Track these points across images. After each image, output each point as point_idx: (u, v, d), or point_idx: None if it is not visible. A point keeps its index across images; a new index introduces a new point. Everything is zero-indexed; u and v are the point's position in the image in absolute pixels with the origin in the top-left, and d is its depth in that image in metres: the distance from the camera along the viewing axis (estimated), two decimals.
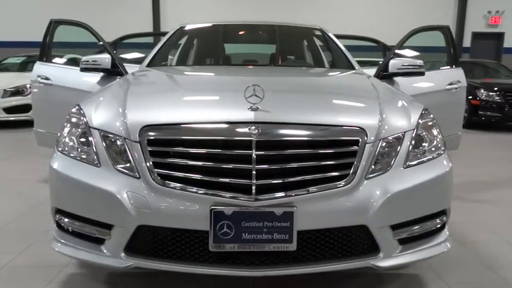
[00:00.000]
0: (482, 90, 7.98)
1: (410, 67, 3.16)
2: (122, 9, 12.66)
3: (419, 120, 1.90)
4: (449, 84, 3.67)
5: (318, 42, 3.62)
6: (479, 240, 2.70)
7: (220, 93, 1.96)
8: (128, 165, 1.64)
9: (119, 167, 1.65)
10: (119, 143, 1.67)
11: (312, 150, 1.61)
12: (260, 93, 1.68)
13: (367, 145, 1.67)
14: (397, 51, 3.65)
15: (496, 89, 7.92)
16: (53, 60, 3.80)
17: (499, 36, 13.25)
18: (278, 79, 2.40)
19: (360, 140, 1.66)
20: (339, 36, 4.90)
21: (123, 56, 5.34)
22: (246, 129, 1.58)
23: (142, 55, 4.01)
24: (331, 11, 12.81)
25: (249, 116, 1.62)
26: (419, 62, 3.19)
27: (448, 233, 1.91)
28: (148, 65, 3.02)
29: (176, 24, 3.65)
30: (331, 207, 1.61)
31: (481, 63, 10.30)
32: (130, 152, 1.63)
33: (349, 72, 2.90)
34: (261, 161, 1.55)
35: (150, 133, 1.63)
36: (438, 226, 1.87)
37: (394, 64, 3.18)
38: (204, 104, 1.81)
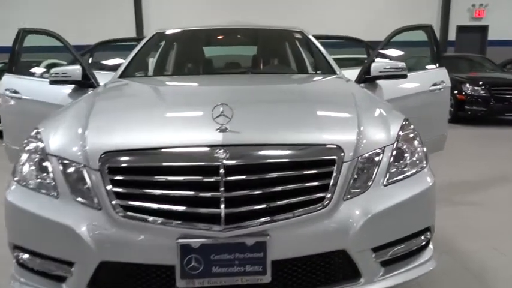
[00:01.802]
0: (467, 85, 7.96)
1: (392, 70, 3.07)
2: (103, 13, 12.41)
3: (400, 133, 1.80)
4: (433, 85, 3.59)
5: (300, 45, 3.51)
6: (467, 249, 2.63)
7: (187, 113, 1.83)
8: (88, 196, 1.51)
9: (79, 198, 1.53)
10: (78, 171, 1.55)
11: (285, 173, 1.50)
12: (229, 112, 1.57)
13: (344, 164, 1.56)
14: (381, 50, 3.58)
15: (481, 83, 7.91)
16: (32, 70, 3.63)
17: (484, 29, 13.29)
18: (251, 92, 2.26)
19: (337, 158, 1.56)
20: (321, 37, 4.82)
21: (105, 62, 5.18)
22: (213, 153, 1.47)
23: (123, 61, 3.87)
24: (316, 11, 12.71)
25: (217, 138, 1.51)
26: (402, 64, 3.10)
27: (432, 250, 1.82)
28: (121, 75, 2.89)
29: (160, 27, 3.52)
30: (308, 233, 1.50)
31: (466, 57, 10.30)
32: (90, 181, 1.51)
33: (329, 78, 2.80)
34: (231, 188, 1.44)
35: (111, 160, 1.51)
36: (423, 244, 1.78)
37: (375, 67, 3.09)
38: (169, 126, 1.67)
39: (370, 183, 1.63)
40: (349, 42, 5.21)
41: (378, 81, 3.26)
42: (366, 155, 1.64)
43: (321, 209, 1.51)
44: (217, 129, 1.54)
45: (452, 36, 13.19)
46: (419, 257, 1.76)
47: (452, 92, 8.07)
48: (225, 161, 1.45)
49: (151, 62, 3.95)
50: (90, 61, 4.68)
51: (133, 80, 2.77)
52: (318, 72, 3.12)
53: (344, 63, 7.08)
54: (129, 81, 2.72)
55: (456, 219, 3.12)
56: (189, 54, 3.54)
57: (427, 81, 3.60)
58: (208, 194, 1.44)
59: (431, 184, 1.77)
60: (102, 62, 5.16)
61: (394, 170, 1.71)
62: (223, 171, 1.44)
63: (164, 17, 12.33)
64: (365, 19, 12.59)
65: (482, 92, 7.81)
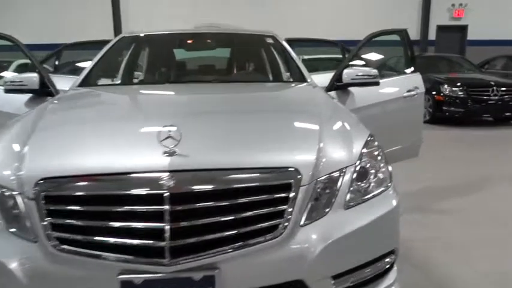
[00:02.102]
0: (445, 86, 8.00)
1: (365, 77, 3.00)
2: (81, 11, 12.06)
3: (364, 150, 1.71)
4: (408, 91, 3.54)
5: (270, 51, 3.40)
6: (437, 262, 2.58)
7: (135, 133, 1.69)
8: (23, 227, 1.39)
9: (13, 229, 1.40)
10: (12, 198, 1.42)
11: (237, 200, 1.40)
12: (177, 133, 1.46)
13: (301, 188, 1.47)
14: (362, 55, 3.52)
15: (459, 84, 7.95)
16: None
17: (463, 29, 13.43)
18: (210, 107, 2.13)
19: (293, 182, 1.46)
20: (296, 40, 4.73)
21: (80, 64, 4.96)
22: (158, 180, 1.36)
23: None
24: (293, 11, 12.62)
25: (163, 163, 1.40)
26: (374, 71, 3.03)
27: (396, 272, 1.75)
28: (81, 84, 2.74)
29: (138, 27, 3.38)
30: (262, 264, 1.41)
31: (445, 57, 10.37)
32: (24, 211, 1.39)
33: (297, 87, 2.71)
34: (177, 217, 1.34)
35: (47, 187, 1.38)
36: (387, 267, 1.70)
37: (347, 74, 3.02)
38: (113, 149, 1.55)
39: (329, 207, 1.54)
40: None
41: (351, 88, 3.19)
42: (326, 176, 1.56)
43: (276, 237, 1.42)
44: (164, 153, 1.42)
45: (432, 35, 13.29)
46: (382, 281, 1.68)
47: (431, 93, 8.12)
48: (169, 189, 1.34)
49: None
50: (56, 63, 4.49)
51: (91, 90, 2.61)
52: (288, 79, 3.02)
53: (326, 64, 7.06)
54: (87, 91, 2.57)
55: (427, 229, 3.08)
56: (156, 61, 3.40)
57: (401, 87, 3.54)
58: (152, 225, 1.33)
59: (395, 205, 1.70)
60: (78, 64, 4.96)
61: (356, 191, 1.63)
62: (169, 200, 1.33)
63: (144, 18, 12.07)
64: (346, 19, 12.57)
65: (460, 93, 7.85)
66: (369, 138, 1.80)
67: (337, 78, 3.11)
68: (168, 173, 1.37)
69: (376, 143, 1.81)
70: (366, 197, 1.63)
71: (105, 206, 1.36)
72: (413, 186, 4.14)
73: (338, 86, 3.11)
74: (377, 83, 3.05)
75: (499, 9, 13.18)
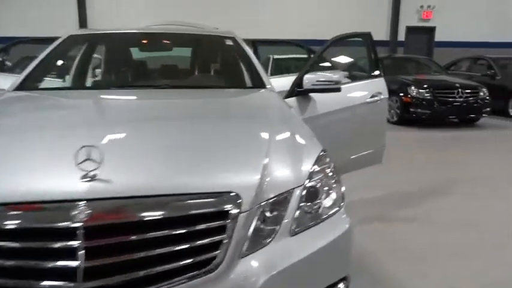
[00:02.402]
0: (413, 88, 8.06)
1: (326, 83, 2.89)
2: (46, 6, 11.48)
3: (315, 167, 1.58)
4: (371, 96, 3.46)
5: (230, 54, 3.23)
6: (395, 275, 2.50)
7: (50, 155, 1.46)
8: None
9: None
10: None
11: (166, 231, 1.24)
12: (97, 154, 1.27)
13: (241, 215, 1.32)
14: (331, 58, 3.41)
15: (425, 86, 8.03)
16: None
17: (431, 30, 13.66)
18: (146, 118, 1.90)
19: (231, 209, 1.31)
20: (261, 41, 4.60)
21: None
22: (70, 211, 1.18)
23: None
24: (264, 12, 12.47)
25: (77, 190, 1.22)
26: (336, 77, 2.93)
27: None
28: (19, 87, 2.49)
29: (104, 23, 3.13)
30: None
31: (414, 58, 10.49)
32: None
33: (251, 95, 2.56)
34: (93, 254, 1.16)
35: None
36: None
37: (308, 79, 2.91)
38: (21, 173, 1.34)
39: (274, 234, 1.40)
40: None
41: (312, 94, 3.07)
42: (270, 200, 1.41)
43: (212, 271, 1.27)
44: (82, 178, 1.24)
45: (402, 36, 13.45)
46: None
47: (398, 94, 8.17)
48: (85, 221, 1.16)
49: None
50: (1, 59, 4.18)
51: (23, 96, 2.36)
52: (245, 85, 2.85)
53: (298, 64, 6.94)
54: (19, 96, 2.34)
55: (386, 241, 3.00)
56: (108, 63, 3.18)
57: (364, 92, 3.46)
58: (63, 264, 1.15)
59: (347, 228, 1.57)
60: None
61: (305, 214, 1.49)
62: (83, 235, 1.16)
63: (111, 13, 11.63)
64: (317, 19, 12.54)
65: (426, 94, 7.93)
66: (321, 153, 1.67)
67: (298, 83, 2.99)
68: (85, 202, 1.19)
69: (328, 159, 1.68)
70: (316, 221, 1.50)
71: (9, 242, 1.16)
72: (378, 192, 4.09)
73: (299, 91, 3.00)
74: (338, 89, 2.95)
75: (466, 11, 13.49)
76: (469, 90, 8.02)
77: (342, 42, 3.48)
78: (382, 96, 3.52)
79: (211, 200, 1.32)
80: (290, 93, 3.00)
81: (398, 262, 2.66)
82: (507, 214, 3.59)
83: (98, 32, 3.23)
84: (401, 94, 8.13)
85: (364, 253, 2.74)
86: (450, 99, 7.91)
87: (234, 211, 1.31)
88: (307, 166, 1.57)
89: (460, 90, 7.93)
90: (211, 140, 1.64)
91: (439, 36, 13.55)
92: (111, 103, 2.31)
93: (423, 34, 13.62)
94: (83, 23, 11.94)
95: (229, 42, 3.23)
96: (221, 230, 1.29)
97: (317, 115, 3.10)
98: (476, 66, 10.25)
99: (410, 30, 13.44)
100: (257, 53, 4.40)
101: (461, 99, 7.93)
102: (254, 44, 4.28)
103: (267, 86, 2.69)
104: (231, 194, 1.33)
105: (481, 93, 8.11)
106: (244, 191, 1.35)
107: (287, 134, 1.80)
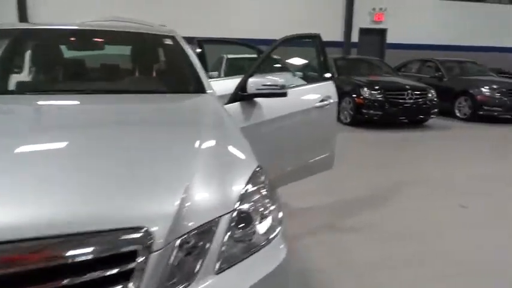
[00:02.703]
0: (365, 89, 8.12)
1: (272, 87, 2.72)
2: None
3: (248, 187, 1.38)
4: (320, 101, 3.33)
5: (168, 54, 2.98)
6: None
7: None
8: None
9: None
10: None
11: (58, 281, 1.00)
12: None
13: (153, 254, 1.10)
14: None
15: (377, 87, 8.11)
16: None
17: (383, 32, 13.99)
18: (53, 134, 1.62)
19: (140, 249, 1.09)
20: (208, 41, 4.36)
21: None
22: None
23: None
24: (217, 11, 12.20)
25: None
26: (281, 81, 2.77)
27: None
28: None
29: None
30: None
31: (366, 60, 10.64)
32: None
33: (188, 100, 2.33)
34: None
35: None
36: None
37: (253, 83, 2.72)
38: None
39: (195, 274, 1.19)
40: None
41: (257, 99, 2.89)
42: (192, 233, 1.20)
43: None
44: None
45: (355, 37, 13.67)
46: None
47: (351, 95, 8.21)
48: None
49: None
50: None
51: None
52: (183, 89, 2.61)
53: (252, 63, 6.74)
54: None
55: (332, 255, 2.84)
56: (37, 61, 2.82)
57: (313, 96, 3.33)
58: None
59: (284, 258, 1.38)
60: None
61: (235, 245, 1.29)
62: None
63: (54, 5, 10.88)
64: (272, 18, 12.46)
65: (378, 96, 8.01)
66: (256, 170, 1.48)
67: (242, 87, 2.80)
68: None
69: (263, 177, 1.49)
70: (247, 254, 1.30)
71: None
72: (327, 199, 3.98)
73: (242, 96, 2.80)
74: (284, 94, 2.80)
75: (416, 14, 13.94)
76: (418, 92, 8.21)
77: (297, 42, 3.36)
78: (331, 100, 3.41)
79: (116, 237, 1.08)
80: (233, 98, 2.80)
81: (345, 278, 2.53)
82: (457, 218, 3.60)
83: (20, 27, 2.87)
84: (354, 95, 8.17)
85: (310, 269, 2.60)
86: (401, 101, 8.04)
87: (144, 250, 1.09)
88: (239, 186, 1.37)
89: (410, 91, 8.09)
90: (130, 161, 1.39)
91: (390, 38, 13.90)
92: (21, 113, 1.99)
93: (375, 36, 13.93)
94: (23, 18, 11.11)
95: (168, 42, 2.97)
96: (126, 275, 1.07)
97: (263, 121, 2.93)
98: (425, 68, 10.55)
99: (363, 31, 13.69)
100: (204, 53, 4.16)
101: (411, 101, 8.09)
102: (200, 43, 4.04)
103: (207, 91, 2.47)
104: (141, 230, 1.10)
105: (430, 95, 8.32)
106: (156, 225, 1.13)
107: (218, 149, 1.59)
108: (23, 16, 11.01)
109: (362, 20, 13.55)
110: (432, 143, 7.05)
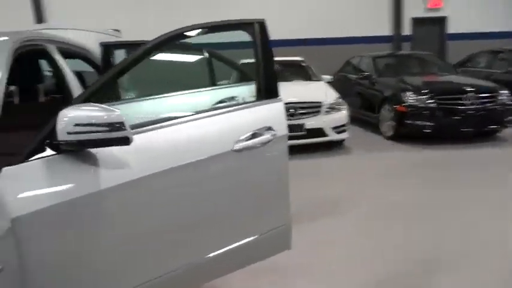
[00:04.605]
0: (409, 94, 6.28)
1: (94, 128, 1.36)
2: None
3: None
4: (251, 136, 1.85)
5: None
6: None
7: None
8: None
9: None
10: None
11: None
12: None
13: None
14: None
15: (425, 91, 6.22)
16: None
17: (441, 21, 11.62)
18: None
19: None
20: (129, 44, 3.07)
21: None
22: None
23: None
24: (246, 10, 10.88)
25: None
26: (115, 114, 1.38)
27: None
28: None
29: None
30: None
31: (416, 56, 8.63)
32: None
33: None
34: None
35: None
36: None
37: (69, 121, 1.37)
38: None
39: None
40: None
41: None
42: None
43: None
44: None
45: (407, 30, 11.51)
46: None
47: (392, 102, 6.45)
48: None
49: None
50: None
51: None
52: None
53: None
54: None
55: None
56: None
57: (236, 130, 1.85)
58: None
59: None
60: None
61: None
62: None
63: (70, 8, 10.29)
64: (322, 14, 10.84)
65: (428, 102, 6.13)
66: None
67: (48, 134, 1.43)
68: None
69: None
70: None
71: None
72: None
73: (53, 145, 1.43)
74: (124, 141, 1.41)
75: None
76: (485, 94, 6.18)
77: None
78: (276, 134, 1.91)
79: None
80: (32, 153, 1.43)
81: None
82: None
83: None
84: (395, 102, 6.39)
85: None
86: (460, 107, 6.07)
87: None
88: None
89: (471, 94, 6.09)
90: None
91: (451, 28, 11.51)
92: None
93: (432, 26, 11.64)
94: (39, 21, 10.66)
95: None
96: None
97: (138, 179, 1.51)
98: (497, 62, 8.31)
99: (416, 22, 11.46)
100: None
101: (476, 106, 6.08)
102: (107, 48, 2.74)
103: None
104: None
105: (501, 97, 6.25)
106: None
107: None
108: (39, 17, 10.63)
109: (414, 8, 11.31)
110: (510, 165, 5.04)
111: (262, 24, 2.04)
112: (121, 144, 1.42)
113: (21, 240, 1.31)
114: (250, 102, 2.01)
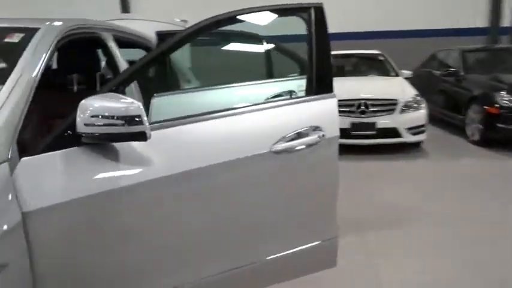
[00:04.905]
0: (503, 93, 5.50)
1: (110, 121, 1.25)
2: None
3: None
4: (294, 137, 1.62)
5: None
6: None
7: None
8: None
9: None
10: None
11: None
12: None
13: None
14: None
15: None
16: None
17: None
18: None
19: None
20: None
21: None
22: None
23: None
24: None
25: None
26: (135, 106, 1.25)
27: None
28: None
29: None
30: None
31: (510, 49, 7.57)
32: None
33: None
34: None
35: None
36: None
37: (88, 111, 1.27)
38: None
39: None
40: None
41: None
42: None
43: None
44: None
45: (506, 21, 10.14)
46: None
47: (481, 103, 5.70)
48: None
49: None
50: None
51: None
52: None
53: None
54: None
55: None
56: None
57: (279, 128, 1.62)
58: None
59: None
60: None
61: None
62: None
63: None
64: (407, 9, 10.01)
65: None
66: None
67: (69, 125, 1.34)
68: None
69: None
70: None
71: None
72: None
73: (74, 138, 1.34)
74: (143, 137, 1.27)
75: None
76: None
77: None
78: (323, 135, 1.66)
79: None
80: (52, 144, 1.36)
81: None
82: None
83: None
84: (485, 102, 5.64)
85: None
86: None
87: None
88: None
89: None
90: None
91: None
92: None
93: None
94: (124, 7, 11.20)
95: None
96: None
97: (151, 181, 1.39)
98: None
99: None
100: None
101: None
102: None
103: None
104: None
105: None
106: None
107: None
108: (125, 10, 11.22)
109: None
110: None
111: (319, 9, 1.79)
112: (137, 140, 1.29)
113: (31, 236, 1.24)
114: (297, 97, 1.77)
